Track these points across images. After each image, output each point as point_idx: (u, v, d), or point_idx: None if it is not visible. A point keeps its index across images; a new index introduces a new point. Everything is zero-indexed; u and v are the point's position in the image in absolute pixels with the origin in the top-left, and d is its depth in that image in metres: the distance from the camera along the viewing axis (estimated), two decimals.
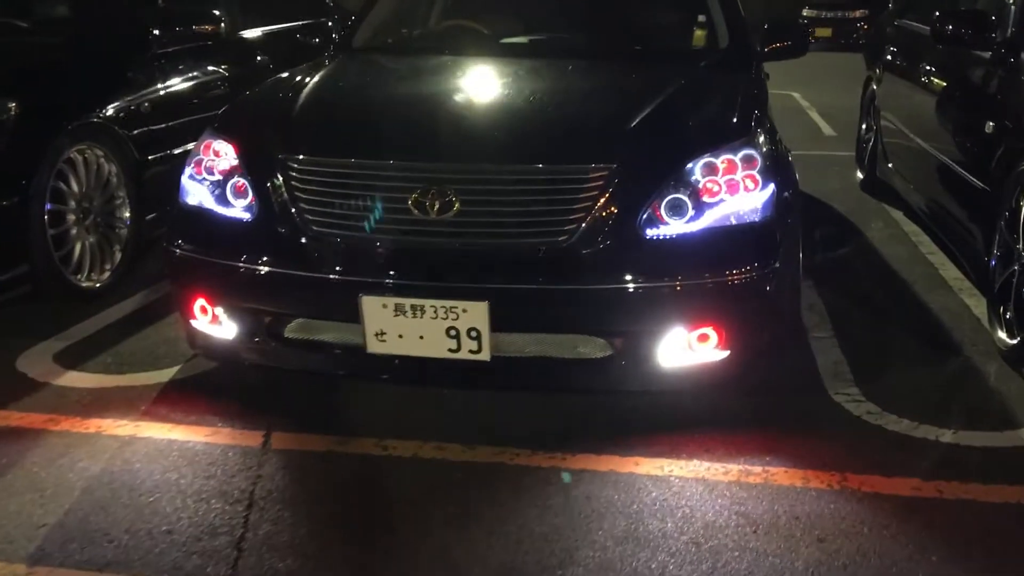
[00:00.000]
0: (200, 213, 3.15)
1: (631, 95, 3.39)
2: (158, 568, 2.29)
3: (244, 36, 5.67)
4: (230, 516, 2.51)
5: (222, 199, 3.11)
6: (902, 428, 2.97)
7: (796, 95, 11.16)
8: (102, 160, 4.18)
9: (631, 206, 2.85)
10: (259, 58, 5.72)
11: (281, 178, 3.01)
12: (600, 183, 2.84)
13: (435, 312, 2.79)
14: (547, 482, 2.67)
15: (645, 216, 2.85)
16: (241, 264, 2.99)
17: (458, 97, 3.36)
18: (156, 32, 4.74)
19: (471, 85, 3.57)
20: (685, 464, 2.76)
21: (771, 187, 3.01)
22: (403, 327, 2.84)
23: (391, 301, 2.81)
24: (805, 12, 20.16)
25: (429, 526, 2.48)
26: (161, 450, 2.86)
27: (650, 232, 2.85)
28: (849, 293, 4.21)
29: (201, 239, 3.12)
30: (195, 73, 4.95)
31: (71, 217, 4.02)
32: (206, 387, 3.28)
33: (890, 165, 5.60)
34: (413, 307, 2.81)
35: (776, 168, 3.13)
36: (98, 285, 4.09)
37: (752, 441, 2.90)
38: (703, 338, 2.90)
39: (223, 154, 3.16)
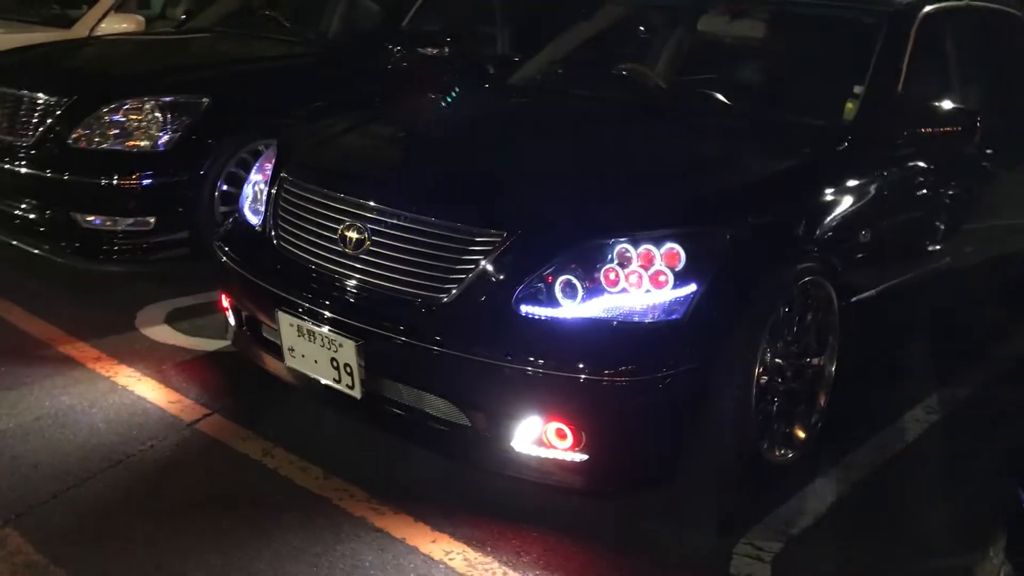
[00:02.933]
0: (240, 216, 3.55)
1: (601, 162, 3.15)
2: None
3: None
4: (84, 470, 2.91)
5: (254, 204, 3.50)
6: None
7: None
8: None
9: (513, 278, 2.69)
10: None
11: (275, 192, 3.31)
12: (487, 248, 2.72)
13: (322, 341, 2.92)
14: (340, 531, 2.68)
15: (526, 291, 2.68)
16: (236, 264, 3.34)
17: (451, 142, 3.37)
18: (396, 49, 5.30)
19: (486, 131, 3.53)
20: (473, 556, 2.58)
21: (692, 287, 2.64)
22: (304, 348, 3.00)
23: (295, 321, 2.99)
24: None
25: (214, 535, 2.65)
26: (125, 404, 3.35)
27: (526, 309, 2.67)
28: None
29: (233, 239, 3.51)
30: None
31: None
32: (221, 365, 3.71)
33: None
34: (308, 331, 2.96)
35: (726, 266, 2.70)
36: None
37: (579, 558, 2.59)
38: (560, 434, 2.66)
39: (269, 165, 3.54)
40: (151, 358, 3.73)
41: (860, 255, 3.25)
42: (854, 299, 3.25)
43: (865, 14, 3.92)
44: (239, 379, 3.57)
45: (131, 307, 4.22)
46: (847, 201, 3.26)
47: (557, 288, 2.66)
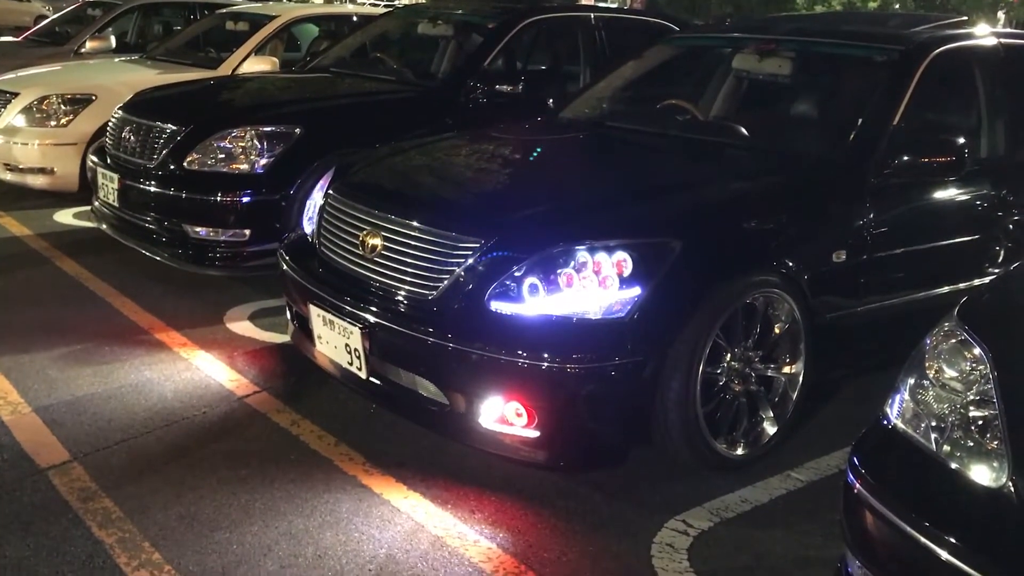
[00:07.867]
0: (299, 227, 4.17)
1: (580, 183, 3.59)
2: (71, 431, 3.44)
3: None
4: (145, 426, 3.54)
5: (310, 217, 4.10)
6: None
7: None
8: None
9: (486, 279, 3.14)
10: None
11: (322, 206, 3.89)
12: (467, 253, 3.19)
13: (338, 329, 3.45)
14: (331, 484, 3.18)
15: (498, 290, 3.12)
16: (290, 267, 3.93)
17: (463, 165, 3.86)
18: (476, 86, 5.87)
19: (500, 157, 4.00)
20: (434, 510, 3.03)
21: (636, 291, 3.01)
22: (328, 335, 3.55)
23: (321, 312, 3.54)
24: None
25: (230, 480, 3.21)
26: (193, 379, 3.99)
27: (496, 305, 3.11)
28: None
29: (291, 247, 4.10)
30: None
31: None
32: (281, 354, 4.31)
33: None
34: (329, 320, 3.50)
35: (671, 273, 3.06)
36: None
37: (525, 519, 2.99)
38: (518, 413, 3.07)
39: (326, 184, 4.13)
40: (227, 346, 4.37)
41: (830, 275, 3.49)
42: (829, 316, 3.50)
43: (879, 52, 4.17)
44: (291, 366, 4.16)
45: (223, 305, 4.90)
46: (819, 223, 3.53)
47: (524, 288, 3.09)
